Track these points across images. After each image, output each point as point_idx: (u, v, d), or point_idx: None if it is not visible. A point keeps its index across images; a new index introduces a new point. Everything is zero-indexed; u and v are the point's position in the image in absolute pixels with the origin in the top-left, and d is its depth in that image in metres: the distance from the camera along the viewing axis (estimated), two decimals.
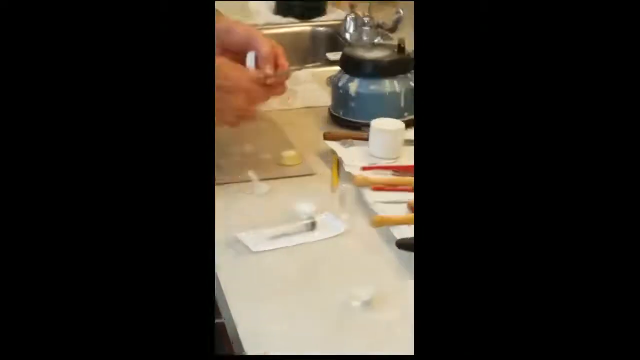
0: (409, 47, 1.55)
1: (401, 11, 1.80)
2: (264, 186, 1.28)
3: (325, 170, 1.36)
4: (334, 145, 1.40)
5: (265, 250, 1.12)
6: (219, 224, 0.97)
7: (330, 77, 1.59)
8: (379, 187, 1.26)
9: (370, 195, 1.24)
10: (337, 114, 1.53)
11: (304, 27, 2.22)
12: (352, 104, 1.49)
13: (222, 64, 1.23)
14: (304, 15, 2.23)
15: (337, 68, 1.56)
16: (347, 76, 1.51)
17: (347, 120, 1.50)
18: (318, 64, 1.91)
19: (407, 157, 1.36)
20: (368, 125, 1.38)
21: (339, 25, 2.11)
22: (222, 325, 1.03)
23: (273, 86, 1.29)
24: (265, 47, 1.29)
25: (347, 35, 2.05)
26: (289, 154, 1.37)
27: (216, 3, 1.16)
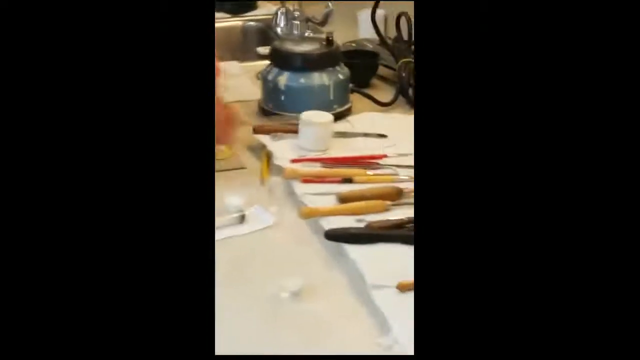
0: (338, 40, 1.57)
1: (330, 5, 1.81)
2: None
3: (255, 164, 1.36)
4: (263, 138, 1.40)
5: None
6: None
7: (260, 72, 1.59)
8: (308, 180, 1.27)
9: (300, 188, 1.25)
10: (267, 108, 1.53)
11: (235, 22, 2.21)
12: (282, 98, 1.49)
13: None
14: (235, 10, 2.22)
15: (267, 62, 1.56)
16: (276, 70, 1.51)
17: (277, 113, 1.50)
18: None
19: (336, 149, 1.37)
20: (298, 119, 1.38)
21: (270, 19, 2.11)
22: None
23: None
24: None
25: (278, 30, 2.05)
26: (219, 148, 1.36)
27: None
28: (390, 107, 1.58)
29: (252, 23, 2.20)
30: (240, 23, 2.21)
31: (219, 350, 0.84)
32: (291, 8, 1.97)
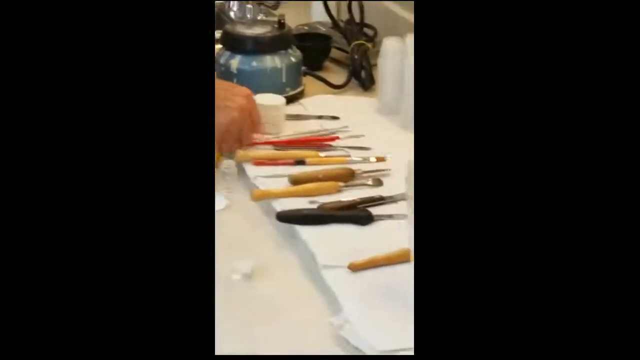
0: (291, 23, 1.57)
1: None
2: None
3: None
4: None
5: None
6: None
7: None
8: (260, 162, 1.26)
9: (252, 170, 1.25)
10: None
11: None
12: (234, 81, 1.48)
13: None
14: None
15: (219, 46, 1.55)
16: (228, 53, 1.50)
17: None
18: None
19: (289, 132, 1.37)
20: None
21: (222, 3, 2.09)
22: None
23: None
24: None
25: (232, 14, 2.03)
26: None
27: None
28: (342, 89, 1.58)
29: None
30: None
31: None
32: None
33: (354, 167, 1.25)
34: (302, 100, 1.51)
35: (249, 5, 1.90)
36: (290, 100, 1.45)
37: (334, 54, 1.72)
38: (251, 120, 1.30)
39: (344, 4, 1.76)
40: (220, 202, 1.17)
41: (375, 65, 1.51)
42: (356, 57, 1.60)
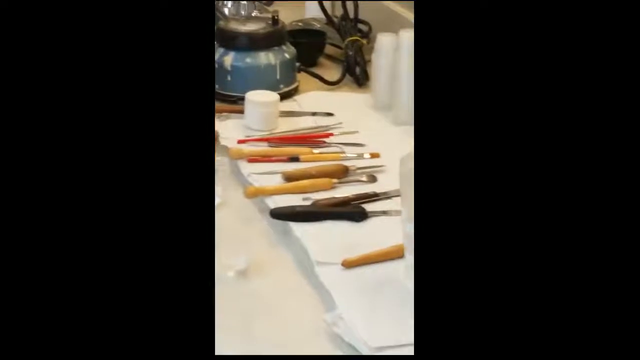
0: (285, 19, 1.57)
1: None
2: None
3: None
4: None
5: None
6: None
7: None
8: (254, 159, 1.26)
9: (246, 167, 1.24)
10: None
11: None
12: (228, 78, 1.48)
13: None
14: None
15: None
16: (222, 50, 1.50)
17: (224, 94, 1.48)
18: None
19: (283, 129, 1.37)
20: (244, 99, 1.38)
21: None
22: None
23: None
24: None
25: (226, 10, 2.03)
26: None
27: None
28: (337, 85, 1.58)
29: None
30: None
31: None
32: None
33: (348, 163, 1.24)
34: (296, 97, 1.51)
35: (243, 2, 1.90)
36: (284, 96, 1.44)
37: (328, 50, 1.72)
38: None
39: (339, 1, 1.76)
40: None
41: (370, 61, 1.51)
42: (350, 53, 1.59)
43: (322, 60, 1.71)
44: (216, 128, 1.36)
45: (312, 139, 1.34)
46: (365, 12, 1.72)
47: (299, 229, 1.08)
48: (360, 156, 1.28)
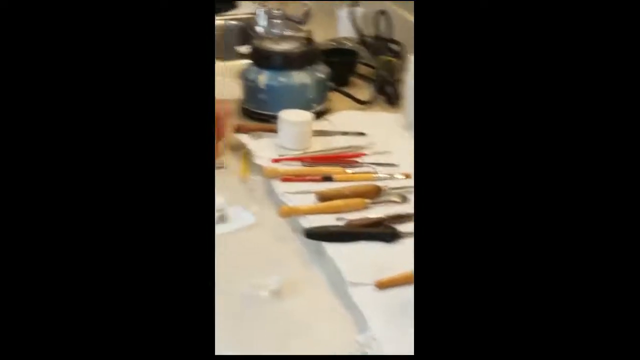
0: (318, 38, 1.58)
1: (309, 4, 1.81)
2: None
3: (235, 163, 1.36)
4: (243, 137, 1.41)
5: None
6: None
7: (241, 71, 1.60)
8: (288, 178, 1.28)
9: (279, 187, 1.26)
10: (247, 107, 1.54)
11: (216, 21, 2.21)
12: (262, 97, 1.50)
13: None
14: (216, 9, 2.22)
15: (248, 61, 1.57)
16: (256, 69, 1.52)
17: (258, 112, 1.51)
18: None
19: (316, 148, 1.38)
20: (277, 117, 1.39)
21: (250, 19, 2.11)
22: None
23: None
24: None
25: (259, 29, 2.05)
26: None
27: None
28: (369, 105, 1.59)
29: (233, 22, 2.21)
30: (221, 22, 2.21)
31: None
32: (271, 7, 1.97)
33: (380, 183, 1.25)
34: (328, 116, 1.53)
35: (277, 21, 1.92)
36: (317, 116, 1.46)
37: (361, 69, 1.73)
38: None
39: (372, 20, 1.77)
40: (248, 218, 1.18)
41: (402, 80, 1.52)
42: (382, 72, 1.61)
43: (354, 79, 1.72)
44: (249, 147, 1.38)
45: (345, 159, 1.35)
46: (398, 31, 1.73)
47: (332, 249, 1.09)
48: (392, 176, 1.29)
